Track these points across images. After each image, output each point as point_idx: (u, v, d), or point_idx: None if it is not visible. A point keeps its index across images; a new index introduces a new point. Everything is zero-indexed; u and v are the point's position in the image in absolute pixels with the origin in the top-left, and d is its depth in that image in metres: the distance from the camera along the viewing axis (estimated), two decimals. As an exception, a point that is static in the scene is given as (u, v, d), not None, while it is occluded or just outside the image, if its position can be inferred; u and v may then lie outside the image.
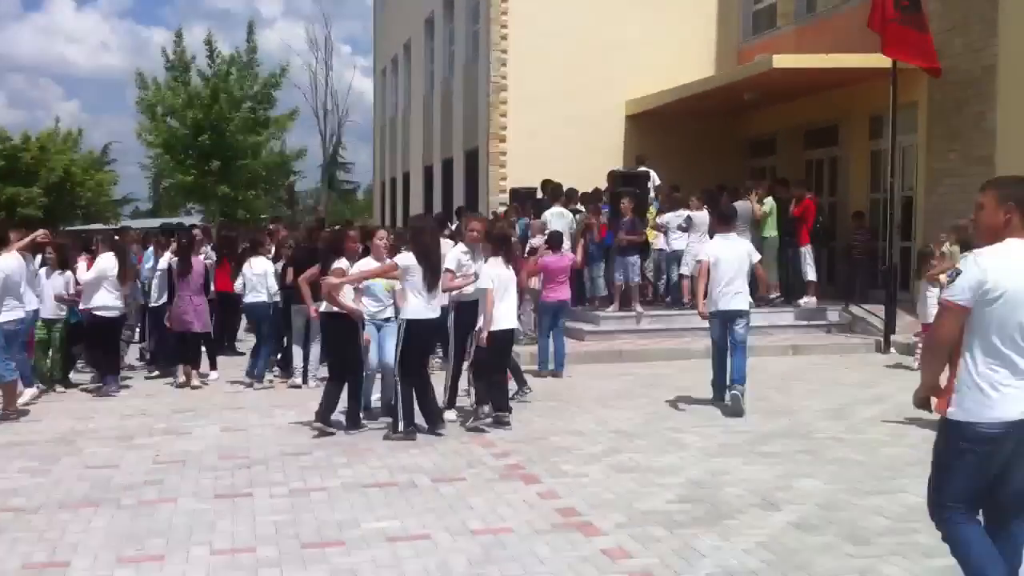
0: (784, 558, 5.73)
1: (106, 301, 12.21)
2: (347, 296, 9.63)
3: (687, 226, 16.19)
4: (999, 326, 4.46)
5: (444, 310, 9.98)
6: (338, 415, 9.69)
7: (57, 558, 6.08)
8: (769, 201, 16.65)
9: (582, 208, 16.92)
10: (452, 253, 10.01)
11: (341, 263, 9.79)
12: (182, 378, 12.70)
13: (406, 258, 9.30)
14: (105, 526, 6.72)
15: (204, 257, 14.21)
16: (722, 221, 11.31)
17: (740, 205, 15.47)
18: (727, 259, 10.52)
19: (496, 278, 9.65)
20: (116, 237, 14.32)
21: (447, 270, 9.65)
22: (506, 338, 9.93)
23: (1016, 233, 4.56)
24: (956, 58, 16.28)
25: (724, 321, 10.57)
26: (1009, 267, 4.48)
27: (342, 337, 9.70)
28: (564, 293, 12.88)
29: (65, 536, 6.52)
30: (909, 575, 5.44)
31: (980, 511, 4.67)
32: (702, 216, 16.22)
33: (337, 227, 13.10)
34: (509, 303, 9.90)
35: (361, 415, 9.90)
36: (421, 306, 9.25)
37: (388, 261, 9.64)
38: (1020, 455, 4.49)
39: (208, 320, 13.15)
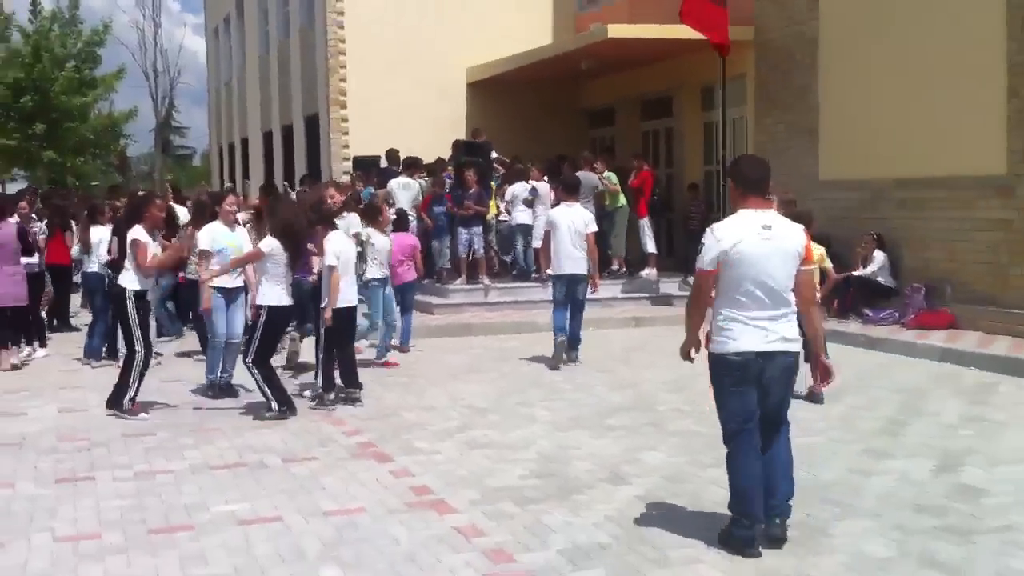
0: (631, 532, 5.92)
1: None
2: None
3: (532, 197, 16.37)
4: (735, 281, 5.58)
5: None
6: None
7: None
8: (611, 175, 16.96)
9: (425, 178, 16.91)
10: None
11: (139, 233, 9.32)
12: (14, 359, 11.98)
13: (269, 243, 9.10)
14: (-62, 515, 6.47)
15: (38, 231, 13.56)
16: (566, 191, 12.08)
17: (584, 176, 15.73)
18: (567, 226, 11.45)
19: (340, 253, 9.53)
20: None
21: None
22: (351, 315, 9.85)
23: (739, 205, 5.75)
24: (780, 31, 16.86)
25: (567, 284, 11.51)
26: (741, 231, 5.59)
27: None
28: (410, 274, 12.67)
29: None
30: (749, 544, 5.67)
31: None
32: (545, 187, 16.45)
33: (141, 193, 12.58)
34: (351, 279, 9.81)
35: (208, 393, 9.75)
36: (281, 292, 9.13)
37: (251, 248, 9.58)
38: (764, 383, 5.60)
39: (24, 292, 12.10)
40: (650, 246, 17.15)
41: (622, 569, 5.36)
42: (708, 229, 5.75)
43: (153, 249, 9.34)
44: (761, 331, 5.54)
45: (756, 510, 5.59)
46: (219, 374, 10.13)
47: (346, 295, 9.61)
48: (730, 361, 5.59)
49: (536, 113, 22.12)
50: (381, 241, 11.66)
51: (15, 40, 35.22)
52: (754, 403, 5.62)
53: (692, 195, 18.51)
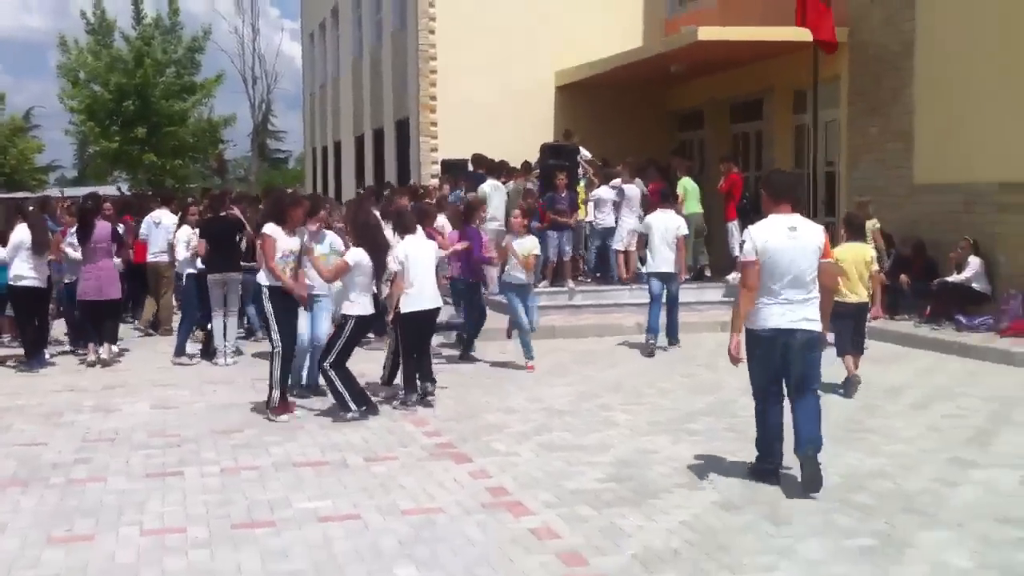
0: (706, 538, 5.89)
1: (21, 271, 12.01)
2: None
3: (619, 199, 16.36)
4: (768, 272, 6.75)
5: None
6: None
7: (-14, 539, 6.06)
8: (684, 182, 16.84)
9: (516, 181, 16.99)
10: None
11: (270, 228, 9.41)
12: (92, 356, 12.32)
13: (356, 255, 9.18)
14: (34, 506, 6.71)
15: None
16: (661, 199, 13.63)
17: (630, 188, 16.55)
18: (662, 230, 12.83)
19: (408, 257, 9.52)
20: (31, 208, 13.99)
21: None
22: (429, 318, 9.86)
23: (771, 208, 6.99)
24: (876, 32, 16.56)
25: (662, 280, 12.89)
26: (771, 232, 6.81)
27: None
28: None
29: (-7, 516, 6.49)
30: (827, 555, 5.61)
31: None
32: (633, 189, 16.44)
33: (290, 191, 12.87)
34: (428, 281, 9.72)
35: (292, 392, 9.91)
36: (367, 302, 9.27)
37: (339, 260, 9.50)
38: (790, 355, 6.77)
39: (116, 289, 12.53)
40: (738, 249, 16.95)
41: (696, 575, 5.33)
42: (746, 230, 7.05)
43: (286, 245, 9.34)
44: (787, 312, 6.75)
45: (775, 452, 6.98)
46: (305, 375, 10.30)
47: (425, 299, 9.65)
48: (760, 336, 6.85)
49: (624, 116, 22.04)
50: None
51: (118, 46, 36.18)
52: (776, 370, 6.87)
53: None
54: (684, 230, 13.07)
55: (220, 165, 29.92)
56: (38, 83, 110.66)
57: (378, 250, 9.34)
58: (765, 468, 7.00)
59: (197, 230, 12.63)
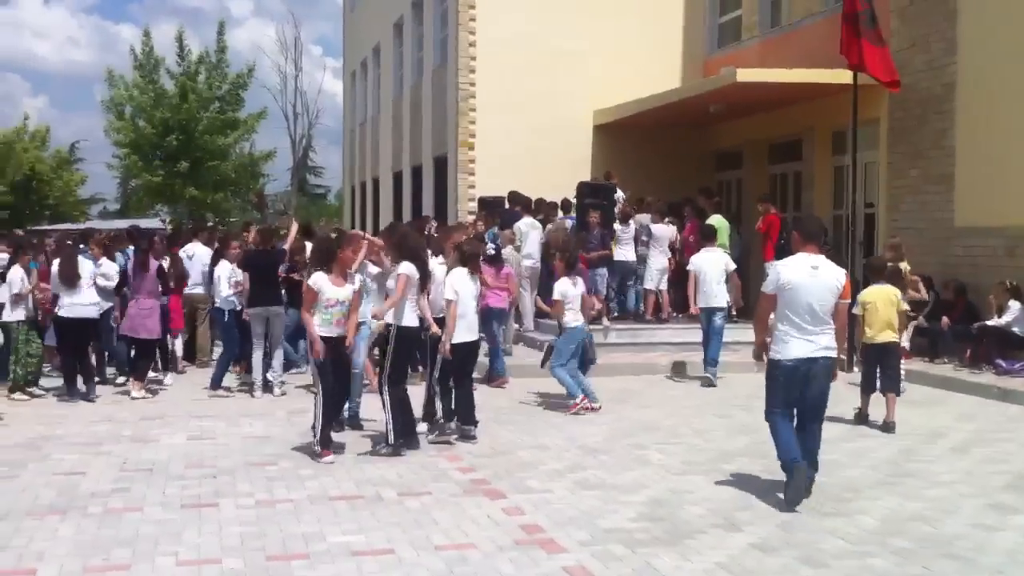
0: (743, 579, 5.85)
1: (63, 302, 12.22)
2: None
3: (647, 238, 16.46)
4: (791, 303, 7.56)
5: (421, 321, 9.78)
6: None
7: (23, 565, 6.13)
8: (716, 218, 16.84)
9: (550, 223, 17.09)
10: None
11: (316, 279, 9.25)
12: (135, 392, 12.40)
13: (407, 267, 9.26)
14: (71, 534, 6.77)
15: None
16: (704, 237, 14.37)
17: (661, 229, 16.82)
18: (709, 268, 13.64)
19: (460, 290, 9.75)
20: (69, 241, 14.27)
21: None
22: (469, 350, 10.01)
23: (799, 248, 7.83)
24: (916, 75, 16.53)
25: (708, 314, 13.62)
26: (795, 269, 7.63)
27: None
28: (495, 301, 13.38)
29: (31, 544, 6.56)
30: (863, 598, 5.56)
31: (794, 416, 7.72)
32: (661, 229, 16.53)
33: (334, 234, 12.84)
34: (471, 315, 9.98)
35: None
36: (411, 312, 9.33)
37: (395, 277, 9.42)
38: (809, 380, 7.56)
39: (158, 326, 12.73)
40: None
41: (730, 616, 5.30)
42: (772, 265, 8.16)
43: (332, 294, 9.15)
44: (808, 343, 7.55)
45: (795, 455, 7.49)
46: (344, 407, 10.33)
47: (467, 330, 9.77)
48: (784, 365, 7.62)
49: (662, 155, 22.07)
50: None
51: (164, 82, 36.73)
52: (793, 397, 7.65)
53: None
54: (732, 265, 14.05)
55: (260, 200, 30.10)
56: (83, 117, 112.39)
57: (424, 266, 9.46)
58: (793, 479, 7.44)
59: (236, 265, 12.80)
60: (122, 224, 26.71)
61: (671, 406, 11.92)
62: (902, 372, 12.38)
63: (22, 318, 12.33)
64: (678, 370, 14.48)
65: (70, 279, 12.25)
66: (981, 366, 13.84)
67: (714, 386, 13.33)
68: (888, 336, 10.67)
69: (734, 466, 8.79)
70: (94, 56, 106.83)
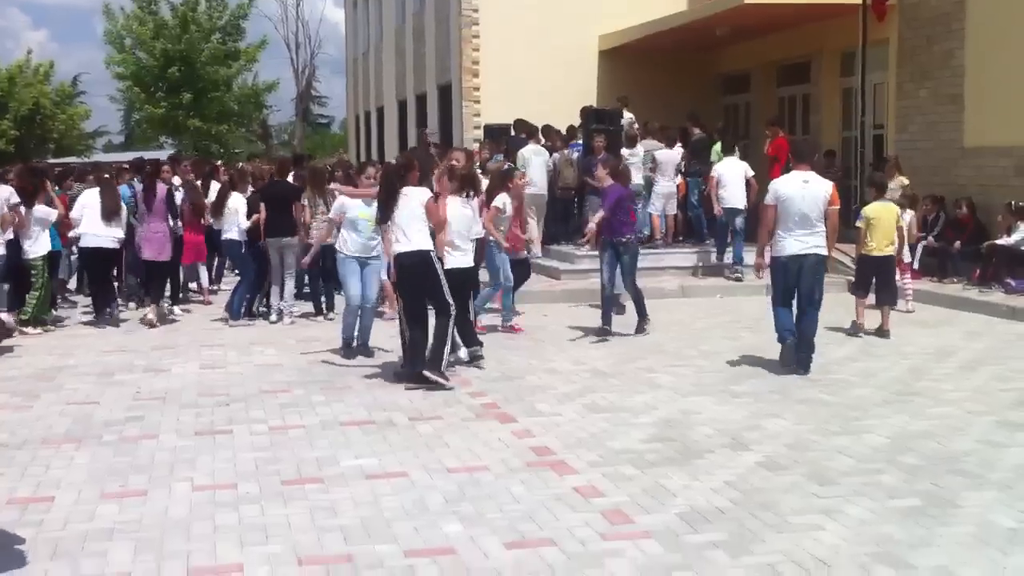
0: (751, 497, 5.90)
1: (97, 231, 12.38)
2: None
3: (652, 164, 16.39)
4: (786, 211, 9.17)
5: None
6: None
7: (41, 493, 6.19)
8: (715, 148, 16.80)
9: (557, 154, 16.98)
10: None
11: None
12: (150, 314, 12.50)
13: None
14: (87, 462, 6.83)
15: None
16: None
17: (665, 155, 16.55)
18: (729, 173, 15.29)
19: (454, 218, 9.58)
20: (106, 175, 14.24)
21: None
22: (466, 275, 9.82)
23: (795, 167, 9.53)
24: (927, -5, 16.31)
25: (731, 215, 15.28)
26: (789, 183, 9.28)
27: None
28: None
29: (48, 472, 6.62)
30: (873, 515, 5.60)
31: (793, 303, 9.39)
32: (667, 155, 16.44)
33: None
34: (466, 242, 9.81)
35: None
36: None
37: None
38: (801, 274, 9.19)
39: (167, 250, 12.77)
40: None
41: (741, 533, 5.35)
42: (772, 183, 9.68)
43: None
44: (799, 242, 9.18)
45: (785, 333, 9.37)
46: (355, 336, 10.39)
47: (460, 258, 9.66)
48: (780, 260, 9.31)
49: (669, 80, 21.89)
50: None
51: (163, 13, 36.37)
52: (791, 284, 9.28)
53: (828, 161, 17.99)
54: (751, 172, 15.43)
55: (264, 130, 30.18)
56: (84, 50, 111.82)
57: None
58: (786, 347, 9.38)
59: (245, 197, 12.85)
60: (128, 157, 26.59)
61: (680, 329, 11.95)
62: (910, 291, 12.63)
63: (43, 252, 12.33)
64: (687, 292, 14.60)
65: (113, 212, 12.40)
66: (990, 285, 13.83)
67: (741, 281, 14.81)
68: (889, 250, 11.44)
69: (743, 387, 8.83)
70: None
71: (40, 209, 12.07)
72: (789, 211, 9.15)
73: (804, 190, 9.14)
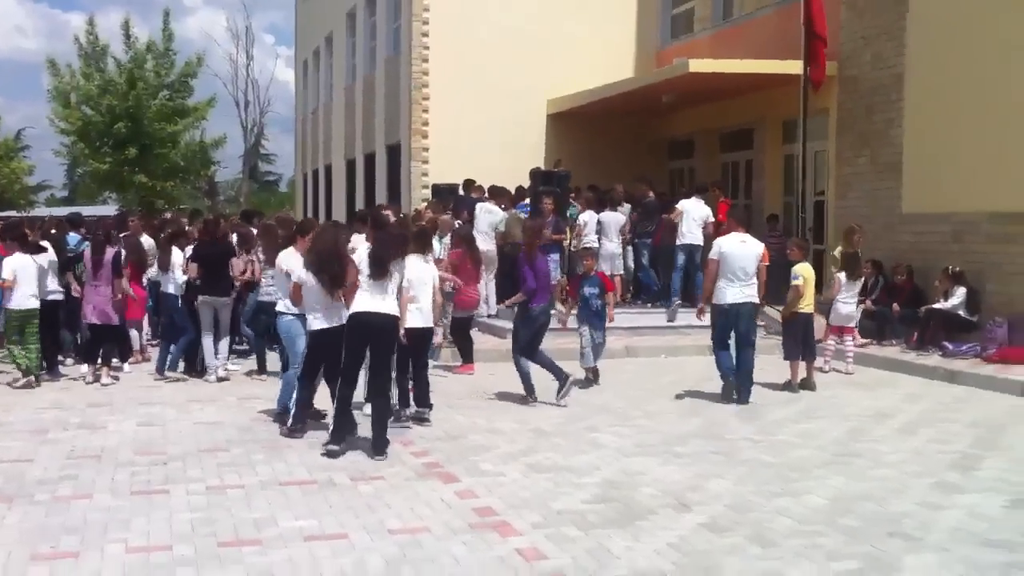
0: (694, 560, 5.89)
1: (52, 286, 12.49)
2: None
3: (599, 228, 16.61)
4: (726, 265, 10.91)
5: None
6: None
7: (-31, 554, 6.02)
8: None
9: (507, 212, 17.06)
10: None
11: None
12: (91, 378, 12.38)
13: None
14: (18, 522, 6.67)
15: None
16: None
17: (609, 216, 16.95)
18: (689, 216, 15.98)
19: (411, 277, 9.48)
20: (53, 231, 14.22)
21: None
22: (422, 335, 9.85)
23: (733, 229, 11.34)
24: (866, 66, 16.73)
25: (687, 254, 16.08)
26: (730, 242, 11.06)
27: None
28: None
29: (-23, 533, 6.45)
30: None
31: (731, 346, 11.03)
32: (610, 216, 16.66)
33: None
34: (425, 300, 9.75)
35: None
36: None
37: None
38: (739, 319, 10.98)
39: (114, 313, 12.62)
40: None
41: (681, 595, 5.33)
42: (715, 242, 11.43)
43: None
44: (738, 292, 10.95)
45: (729, 370, 11.04)
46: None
47: (421, 317, 9.66)
48: (722, 307, 11.04)
49: (616, 144, 22.18)
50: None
51: (110, 70, 36.18)
52: (730, 328, 11.05)
53: (771, 226, 18.37)
54: (712, 217, 16.22)
55: (211, 187, 29.91)
56: (30, 105, 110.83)
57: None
58: (726, 385, 11.08)
59: (185, 253, 12.81)
60: (68, 212, 26.24)
61: (624, 389, 11.97)
62: (850, 354, 12.88)
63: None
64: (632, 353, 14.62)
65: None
66: (928, 348, 14.05)
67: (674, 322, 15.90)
68: (811, 308, 12.15)
69: (686, 448, 8.85)
70: (42, 44, 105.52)
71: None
72: (730, 265, 10.93)
73: (743, 248, 10.98)
